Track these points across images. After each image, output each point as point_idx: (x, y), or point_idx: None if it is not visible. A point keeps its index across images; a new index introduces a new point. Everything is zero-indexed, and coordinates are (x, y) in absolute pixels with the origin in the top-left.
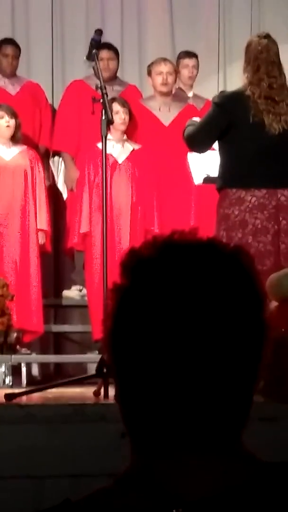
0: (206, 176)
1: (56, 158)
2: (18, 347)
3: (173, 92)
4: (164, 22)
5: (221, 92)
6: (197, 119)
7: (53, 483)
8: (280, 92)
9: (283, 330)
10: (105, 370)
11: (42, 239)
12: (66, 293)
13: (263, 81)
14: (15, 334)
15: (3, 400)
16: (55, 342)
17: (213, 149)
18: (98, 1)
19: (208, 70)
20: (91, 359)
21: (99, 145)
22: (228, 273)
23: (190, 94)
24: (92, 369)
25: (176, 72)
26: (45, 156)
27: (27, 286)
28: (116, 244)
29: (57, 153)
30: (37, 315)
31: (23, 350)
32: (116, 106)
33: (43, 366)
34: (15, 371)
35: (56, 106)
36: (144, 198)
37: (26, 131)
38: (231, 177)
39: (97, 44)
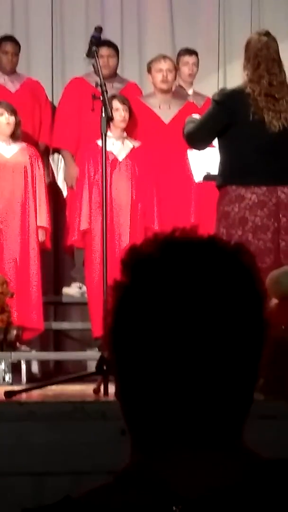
0: (206, 173)
1: (56, 155)
2: (18, 344)
3: (173, 89)
4: (164, 19)
5: (221, 89)
6: (197, 116)
7: (53, 480)
8: (280, 90)
9: (283, 327)
10: (105, 367)
11: (42, 237)
12: (66, 290)
13: (263, 79)
14: (15, 332)
15: (3, 397)
16: (55, 340)
17: (213, 147)
18: None
19: (208, 67)
20: (91, 356)
21: (99, 142)
22: (229, 270)
23: (190, 92)
24: (92, 366)
25: (176, 69)
26: (45, 154)
27: (27, 283)
28: (116, 242)
29: (57, 150)
30: (37, 312)
31: (23, 347)
32: (116, 104)
33: (43, 363)
34: (15, 368)
35: (56, 103)
36: (144, 196)
37: (26, 128)
38: (231, 174)
39: (97, 41)
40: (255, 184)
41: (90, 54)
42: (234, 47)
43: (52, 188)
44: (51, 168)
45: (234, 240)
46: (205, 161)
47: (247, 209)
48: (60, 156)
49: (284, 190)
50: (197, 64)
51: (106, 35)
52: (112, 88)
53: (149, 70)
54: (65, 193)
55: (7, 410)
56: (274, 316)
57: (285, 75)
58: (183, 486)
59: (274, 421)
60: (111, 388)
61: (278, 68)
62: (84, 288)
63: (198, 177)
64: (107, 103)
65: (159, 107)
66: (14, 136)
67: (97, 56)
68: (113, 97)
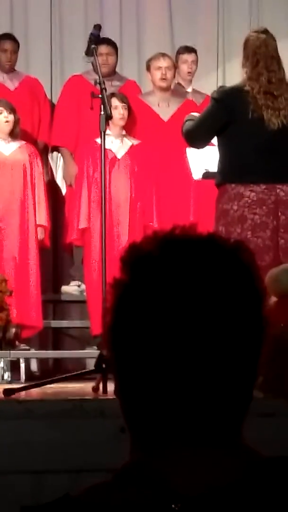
0: (205, 171)
1: (55, 153)
2: (17, 342)
3: (172, 87)
4: (163, 17)
5: (220, 87)
6: (196, 114)
7: (52, 478)
8: (279, 87)
9: (282, 325)
10: (104, 365)
11: (41, 235)
12: (65, 288)
13: (262, 76)
14: (13, 330)
15: (2, 395)
16: (54, 338)
17: (212, 144)
18: None
19: (207, 65)
20: (90, 354)
21: (98, 140)
22: (228, 268)
23: (189, 90)
24: (91, 364)
25: (175, 67)
26: (44, 152)
27: (26, 282)
28: (115, 240)
29: (56, 149)
30: (36, 310)
31: (22, 345)
32: (115, 101)
33: (42, 361)
34: (14, 366)
35: (55, 101)
36: (143, 194)
37: (25, 126)
38: (230, 172)
39: (96, 39)
40: (254, 182)
41: (89, 52)
42: (233, 45)
43: (51, 186)
44: (50, 166)
45: (233, 238)
46: (204, 159)
47: (246, 207)
48: (59, 154)
49: (283, 188)
50: (196, 62)
51: (105, 32)
52: (111, 86)
53: (148, 68)
54: (64, 191)
55: (6, 408)
56: (273, 314)
57: (284, 72)
58: (182, 484)
59: (273, 419)
60: (110, 386)
61: (277, 65)
62: (83, 286)
63: (197, 175)
64: (106, 101)
65: (158, 105)
66: (13, 134)
67: (96, 54)
68: (112, 95)
